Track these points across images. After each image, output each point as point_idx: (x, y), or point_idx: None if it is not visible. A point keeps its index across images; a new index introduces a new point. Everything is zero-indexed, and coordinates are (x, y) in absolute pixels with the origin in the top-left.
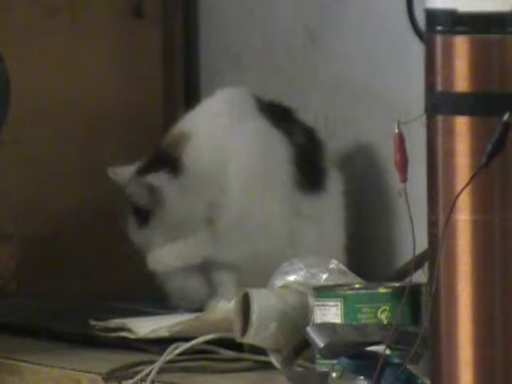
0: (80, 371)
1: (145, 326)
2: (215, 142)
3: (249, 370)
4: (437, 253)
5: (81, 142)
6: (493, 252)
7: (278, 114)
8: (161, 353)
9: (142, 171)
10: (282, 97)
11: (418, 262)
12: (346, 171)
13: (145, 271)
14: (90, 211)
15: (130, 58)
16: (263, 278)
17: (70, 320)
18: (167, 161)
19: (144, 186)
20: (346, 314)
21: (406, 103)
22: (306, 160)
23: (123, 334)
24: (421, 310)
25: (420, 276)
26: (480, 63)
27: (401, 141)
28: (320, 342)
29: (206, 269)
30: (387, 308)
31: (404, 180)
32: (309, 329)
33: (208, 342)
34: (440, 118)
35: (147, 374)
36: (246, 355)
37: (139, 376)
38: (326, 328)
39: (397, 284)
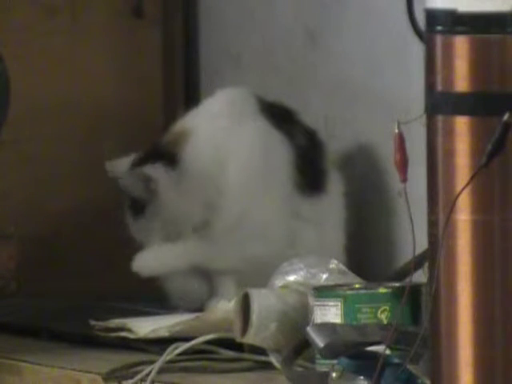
0: (80, 371)
1: (145, 326)
2: (215, 142)
3: (249, 370)
4: (437, 253)
5: (81, 142)
6: (493, 252)
7: (280, 116)
8: (161, 353)
9: (139, 163)
10: (281, 97)
11: (417, 262)
12: (345, 171)
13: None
14: (90, 211)
15: (130, 58)
16: (263, 280)
17: (70, 320)
18: (164, 154)
19: (140, 177)
20: (346, 314)
21: (405, 103)
22: (307, 162)
23: (123, 334)
24: (421, 309)
25: (420, 276)
26: (480, 63)
27: (401, 141)
28: (320, 342)
29: (202, 269)
30: (387, 308)
31: (404, 180)
32: (309, 329)
33: (208, 342)
34: (440, 118)
35: (147, 374)
36: (246, 355)
37: (139, 376)
38: (326, 328)
39: (397, 284)
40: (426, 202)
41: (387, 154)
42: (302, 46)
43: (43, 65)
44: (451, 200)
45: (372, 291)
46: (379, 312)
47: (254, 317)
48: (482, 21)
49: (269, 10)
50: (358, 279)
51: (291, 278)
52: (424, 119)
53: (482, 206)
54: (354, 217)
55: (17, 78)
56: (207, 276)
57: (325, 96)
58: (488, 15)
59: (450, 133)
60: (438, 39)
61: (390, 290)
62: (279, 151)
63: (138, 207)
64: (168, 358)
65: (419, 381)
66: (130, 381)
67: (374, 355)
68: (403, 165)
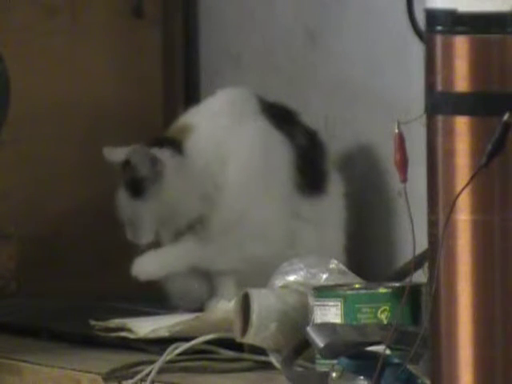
0: (80, 371)
1: (145, 326)
2: (216, 140)
3: (249, 370)
4: (437, 253)
5: (81, 142)
6: (493, 252)
7: (280, 116)
8: (161, 353)
9: (147, 145)
10: (281, 97)
11: (417, 262)
12: (346, 171)
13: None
14: (90, 211)
15: (130, 58)
16: (263, 280)
17: (70, 320)
18: (171, 142)
19: (148, 157)
20: (346, 314)
21: (406, 103)
22: (307, 162)
23: (123, 334)
24: (421, 309)
25: (420, 276)
26: (480, 63)
27: (401, 141)
28: (320, 342)
29: (201, 270)
30: (387, 308)
31: (404, 180)
32: (309, 329)
33: (208, 342)
34: (440, 118)
35: (147, 374)
36: (246, 355)
37: (139, 376)
38: (326, 328)
39: (397, 284)
40: (426, 202)
41: (387, 154)
42: (302, 46)
43: (43, 65)
44: (451, 200)
45: (372, 291)
46: (379, 312)
47: (254, 317)
48: (482, 21)
49: (269, 10)
50: (358, 279)
51: (291, 278)
52: (424, 119)
53: (482, 206)
54: (354, 217)
55: (17, 77)
56: (207, 276)
57: (325, 96)
58: (488, 15)
59: (450, 133)
60: (438, 39)
61: (390, 290)
62: (279, 151)
63: (137, 188)
64: (168, 358)
65: (419, 381)
66: (130, 381)
67: (374, 355)
68: (403, 165)
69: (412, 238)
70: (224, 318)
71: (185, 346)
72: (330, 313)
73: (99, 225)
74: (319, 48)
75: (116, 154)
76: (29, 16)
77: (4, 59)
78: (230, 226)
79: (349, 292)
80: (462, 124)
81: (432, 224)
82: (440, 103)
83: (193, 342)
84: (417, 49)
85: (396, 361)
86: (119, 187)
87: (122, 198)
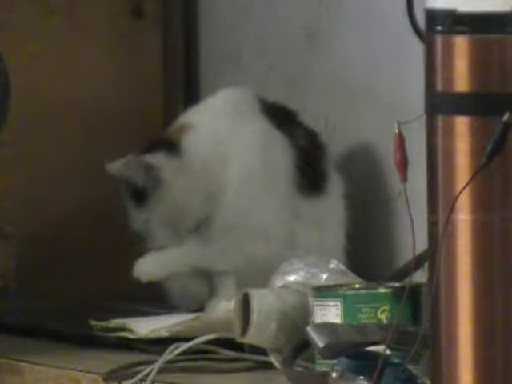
0: (80, 371)
1: (145, 326)
2: (216, 138)
3: (249, 370)
4: (437, 253)
5: (81, 142)
6: (493, 252)
7: (281, 116)
8: (161, 353)
9: (140, 153)
10: (281, 97)
11: (417, 262)
12: (345, 171)
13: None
14: (90, 211)
15: (130, 58)
16: (263, 280)
17: (70, 320)
18: (166, 144)
19: (141, 166)
20: (346, 314)
21: (406, 103)
22: (308, 163)
23: (123, 334)
24: (421, 309)
25: (420, 276)
26: (480, 63)
27: (401, 141)
28: (320, 342)
29: (203, 270)
30: (387, 308)
31: (404, 180)
32: (309, 329)
33: (208, 342)
34: (440, 118)
35: (147, 374)
36: (246, 355)
37: (139, 376)
38: (326, 328)
39: (397, 284)
40: (426, 202)
41: (387, 154)
42: (302, 46)
43: (43, 65)
44: (451, 200)
45: (372, 291)
46: (379, 312)
47: (254, 317)
48: (482, 21)
49: (268, 10)
50: (358, 279)
51: (291, 278)
52: (424, 119)
53: (482, 206)
54: (354, 217)
55: (17, 77)
56: (207, 276)
57: (325, 96)
58: (488, 15)
59: (449, 133)
60: (438, 39)
61: (390, 290)
62: (280, 151)
63: (140, 197)
64: (168, 358)
65: (419, 381)
66: (130, 381)
67: (374, 355)
68: (403, 165)
69: (412, 237)
70: (224, 318)
71: (185, 345)
72: (330, 313)
73: (99, 225)
74: (319, 48)
75: (115, 169)
76: (29, 16)
77: (4, 59)
78: (231, 226)
79: (349, 292)
80: (462, 124)
81: (432, 224)
82: (440, 103)
83: (193, 342)
84: (417, 49)
85: (396, 361)
86: (125, 200)
87: (130, 209)
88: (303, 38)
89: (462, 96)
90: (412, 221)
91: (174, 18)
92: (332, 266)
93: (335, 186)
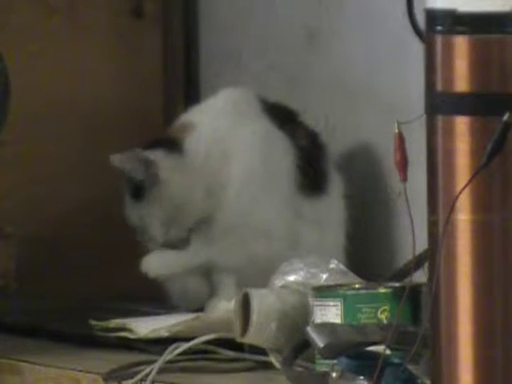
0: (80, 371)
1: (145, 326)
2: (217, 138)
3: (249, 370)
4: (437, 253)
5: (81, 142)
6: (493, 252)
7: (282, 116)
8: (161, 353)
9: (143, 147)
10: (281, 97)
11: (417, 262)
12: (345, 171)
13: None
14: (90, 211)
15: (129, 58)
16: (263, 280)
17: (69, 320)
18: (167, 142)
19: (141, 160)
20: (346, 314)
21: (406, 103)
22: (308, 163)
23: (123, 334)
24: (421, 309)
25: (420, 276)
26: (480, 63)
27: (401, 141)
28: (320, 342)
29: (206, 269)
30: (387, 308)
31: (404, 180)
32: (309, 329)
33: (208, 342)
34: (440, 118)
35: (147, 374)
36: (246, 355)
37: (139, 376)
38: (326, 328)
39: (397, 284)
40: (426, 201)
41: (387, 154)
42: (302, 46)
43: (43, 65)
44: (451, 200)
45: (372, 291)
46: (379, 312)
47: (254, 317)
48: (482, 21)
49: (269, 10)
50: (358, 279)
51: (291, 278)
52: (424, 119)
53: (482, 206)
54: (354, 217)
55: (17, 77)
56: (207, 276)
57: (325, 96)
58: (488, 15)
59: (449, 133)
60: (438, 39)
61: (390, 290)
62: (281, 151)
63: (138, 192)
64: (168, 358)
65: (419, 381)
66: (130, 381)
67: (374, 355)
68: (403, 165)
69: (412, 237)
70: (224, 318)
71: (185, 345)
72: (330, 313)
73: (99, 225)
74: (319, 48)
75: (118, 161)
76: (29, 16)
77: (4, 59)
78: (233, 225)
79: (349, 292)
80: (462, 124)
81: (432, 224)
82: (440, 103)
83: (193, 342)
84: (417, 49)
85: (396, 361)
86: (124, 194)
87: (127, 204)
88: (303, 38)
89: (462, 96)
90: (412, 221)
91: (174, 18)
92: (332, 266)
93: (335, 185)
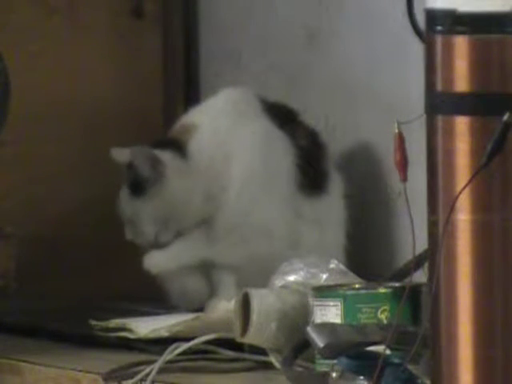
0: (80, 371)
1: (145, 326)
2: (219, 139)
3: (249, 370)
4: (437, 253)
5: (81, 142)
6: (493, 252)
7: (282, 116)
8: (161, 353)
9: (150, 146)
10: (281, 97)
11: (417, 262)
12: (345, 171)
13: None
14: (90, 211)
15: (130, 58)
16: (263, 280)
17: (69, 320)
18: (173, 144)
19: (149, 157)
20: (346, 314)
21: (406, 103)
22: (308, 162)
23: (123, 334)
24: (421, 309)
25: (420, 276)
26: (480, 63)
27: (401, 141)
28: (320, 342)
29: (206, 269)
30: (387, 308)
31: (404, 180)
32: (309, 329)
33: (208, 342)
34: (440, 118)
35: (147, 374)
36: (246, 355)
37: (139, 376)
38: (326, 328)
39: (397, 284)
40: (426, 202)
41: (387, 153)
42: (302, 46)
43: (43, 65)
44: (451, 200)
45: (372, 291)
46: (379, 312)
47: (254, 317)
48: (482, 21)
49: (269, 10)
50: (358, 279)
51: (291, 278)
52: (424, 119)
53: (482, 206)
54: (354, 217)
55: (17, 77)
56: (207, 276)
57: (325, 96)
58: (488, 15)
59: (450, 133)
60: (438, 39)
61: (390, 290)
62: (281, 151)
63: (138, 188)
64: (168, 358)
65: (419, 381)
66: (130, 381)
67: (374, 355)
68: (403, 165)
69: (412, 237)
70: (224, 318)
71: (185, 345)
72: (330, 313)
73: (99, 225)
74: (319, 48)
75: (121, 155)
76: (29, 16)
77: (4, 59)
78: (233, 225)
79: (349, 292)
80: (462, 124)
81: (432, 224)
82: (440, 103)
83: (193, 342)
84: (417, 49)
85: (396, 361)
86: (122, 186)
87: (124, 196)
88: (303, 38)
89: (462, 96)
90: (412, 221)
91: (174, 18)
92: (332, 265)
93: (336, 185)
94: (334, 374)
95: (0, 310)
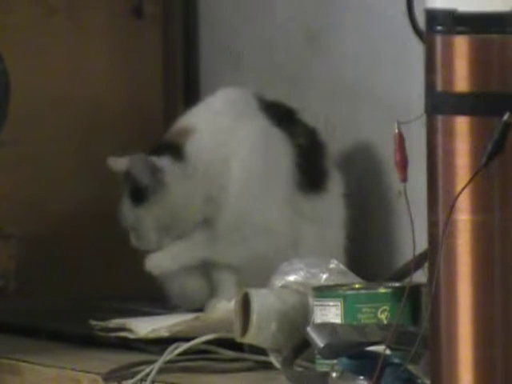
0: (80, 371)
1: (145, 326)
2: (217, 140)
3: (249, 370)
4: (437, 253)
5: (81, 142)
6: (493, 252)
7: (281, 115)
8: (161, 353)
9: (147, 153)
10: (281, 97)
11: (417, 262)
12: (345, 171)
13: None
14: (90, 211)
15: (129, 58)
16: (264, 279)
17: (70, 320)
18: (171, 148)
19: (148, 166)
20: (345, 314)
21: (406, 103)
22: (308, 161)
23: (123, 334)
24: (421, 309)
25: (420, 276)
26: (480, 63)
27: (401, 141)
28: (320, 342)
29: (206, 269)
30: (387, 308)
31: (404, 180)
32: (309, 329)
33: (208, 342)
34: (440, 118)
35: (147, 374)
36: (246, 355)
37: (139, 376)
38: (326, 328)
39: (397, 284)
40: (426, 201)
41: (387, 153)
42: (302, 46)
43: (43, 65)
44: (451, 200)
45: (372, 291)
46: (379, 312)
47: (254, 317)
48: (482, 21)
49: (269, 10)
50: (358, 279)
51: (291, 278)
52: (424, 119)
53: (482, 206)
54: (354, 216)
55: (17, 77)
56: (207, 276)
57: (325, 96)
58: (488, 15)
59: (450, 133)
60: (438, 39)
61: (390, 290)
62: (280, 150)
63: (139, 196)
64: (168, 358)
65: (419, 381)
66: (130, 381)
67: (374, 355)
68: (403, 165)
69: (412, 238)
70: (224, 318)
71: (185, 345)
72: (330, 313)
73: (99, 225)
74: (319, 48)
75: (118, 164)
76: (29, 16)
77: (4, 59)
78: (234, 225)
79: (349, 292)
80: (462, 124)
81: (432, 224)
82: (440, 103)
83: (193, 342)
84: (417, 49)
85: (396, 361)
86: (123, 195)
87: (125, 205)
88: (303, 38)
89: (462, 96)
90: (412, 221)
91: (174, 18)
92: (332, 265)
93: (335, 184)
94: (334, 374)
95: (0, 310)
